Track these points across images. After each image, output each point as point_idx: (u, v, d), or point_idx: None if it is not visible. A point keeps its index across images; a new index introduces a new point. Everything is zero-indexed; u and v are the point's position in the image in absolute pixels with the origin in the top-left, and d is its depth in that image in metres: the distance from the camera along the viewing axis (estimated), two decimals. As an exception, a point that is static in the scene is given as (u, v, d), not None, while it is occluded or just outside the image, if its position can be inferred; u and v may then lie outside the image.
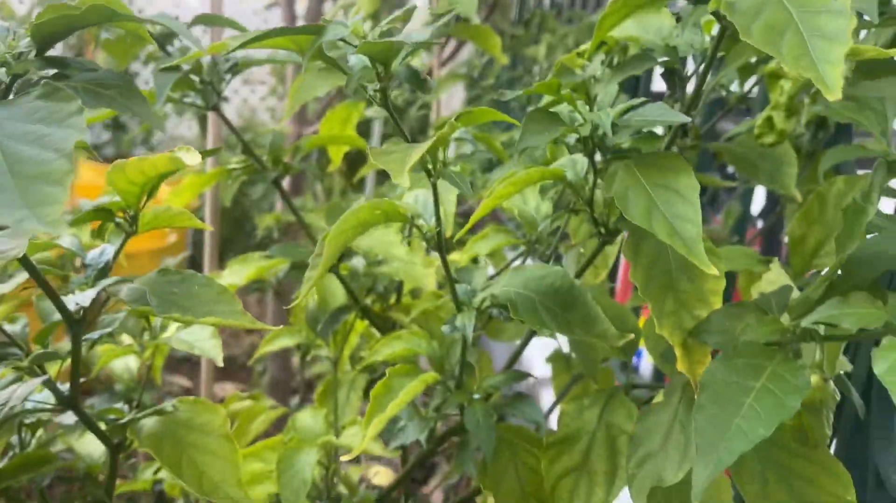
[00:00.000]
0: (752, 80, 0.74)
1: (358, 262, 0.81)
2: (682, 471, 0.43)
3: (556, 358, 0.86)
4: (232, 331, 2.71)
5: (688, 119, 0.43)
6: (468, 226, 0.51)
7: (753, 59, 0.73)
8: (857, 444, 0.73)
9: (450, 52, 1.71)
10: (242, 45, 0.42)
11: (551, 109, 0.49)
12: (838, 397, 0.43)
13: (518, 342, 0.71)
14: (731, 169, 1.16)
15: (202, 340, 0.58)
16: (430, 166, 0.47)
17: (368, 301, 0.79)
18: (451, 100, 2.19)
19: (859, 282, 0.39)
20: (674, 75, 0.52)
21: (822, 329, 0.42)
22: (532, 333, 0.65)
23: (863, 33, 0.72)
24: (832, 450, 0.78)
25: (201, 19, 0.69)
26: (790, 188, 0.68)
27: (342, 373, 0.86)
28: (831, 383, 0.42)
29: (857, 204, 0.38)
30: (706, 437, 0.36)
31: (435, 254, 0.66)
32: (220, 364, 0.54)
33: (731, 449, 0.35)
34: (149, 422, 0.60)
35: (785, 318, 0.43)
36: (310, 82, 0.77)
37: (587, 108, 0.48)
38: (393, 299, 0.80)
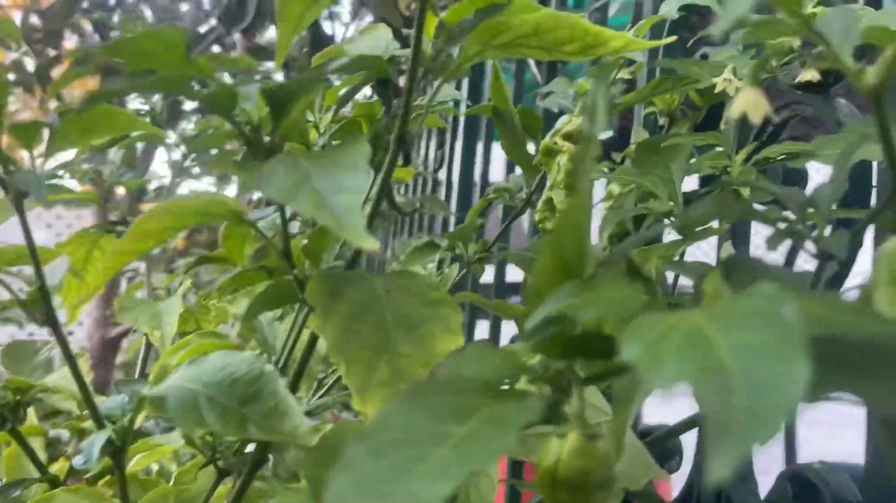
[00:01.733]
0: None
1: (59, 432, 0.61)
2: None
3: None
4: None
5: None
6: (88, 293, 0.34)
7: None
8: None
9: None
10: None
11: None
12: (614, 469, 0.27)
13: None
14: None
15: None
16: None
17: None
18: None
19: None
20: (387, 87, 0.40)
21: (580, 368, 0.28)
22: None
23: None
24: None
25: None
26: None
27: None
28: (602, 444, 0.26)
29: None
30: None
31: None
32: None
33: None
34: None
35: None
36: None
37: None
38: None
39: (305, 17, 0.39)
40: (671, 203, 0.52)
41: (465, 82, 1.41)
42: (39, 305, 0.34)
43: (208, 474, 0.60)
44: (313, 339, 0.44)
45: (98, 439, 0.36)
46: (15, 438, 0.57)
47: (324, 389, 0.68)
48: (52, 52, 1.70)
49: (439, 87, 0.41)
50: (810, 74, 0.47)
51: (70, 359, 0.36)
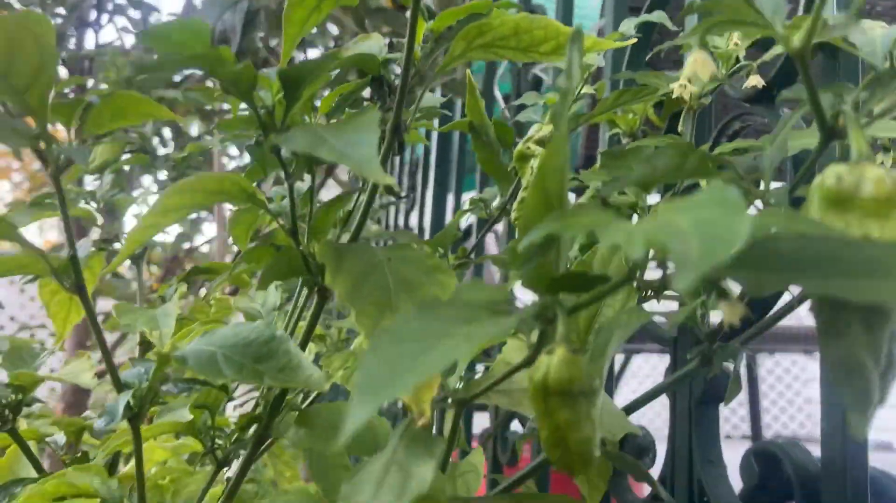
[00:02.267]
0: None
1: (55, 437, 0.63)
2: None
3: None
4: None
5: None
6: (116, 263, 0.38)
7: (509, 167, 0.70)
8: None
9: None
10: None
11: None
12: (599, 382, 0.31)
13: None
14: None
15: None
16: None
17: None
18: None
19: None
20: (382, 85, 0.45)
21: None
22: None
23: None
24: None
25: None
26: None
27: None
28: (584, 360, 0.30)
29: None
30: (375, 375, 0.22)
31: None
32: None
33: (411, 375, 0.22)
34: None
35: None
36: None
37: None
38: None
39: (309, 21, 0.43)
40: (635, 198, 0.57)
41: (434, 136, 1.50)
42: (69, 272, 0.37)
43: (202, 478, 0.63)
44: (309, 329, 0.48)
45: (122, 398, 0.39)
46: (14, 438, 0.59)
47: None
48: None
49: (427, 87, 0.46)
50: (755, 80, 0.53)
51: (95, 324, 0.39)
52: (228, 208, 2.51)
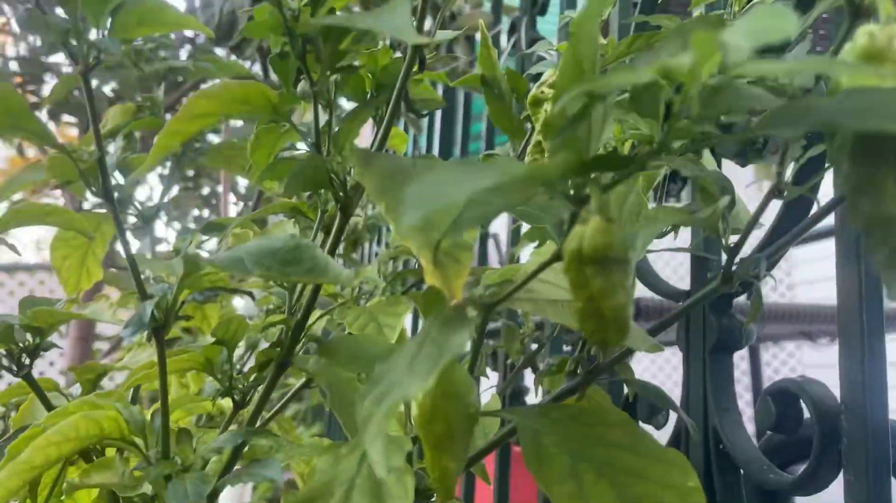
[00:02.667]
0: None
1: (72, 390, 0.62)
2: (432, 374, 0.28)
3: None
4: None
5: None
6: (145, 167, 0.38)
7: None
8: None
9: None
10: None
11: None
12: (631, 250, 0.31)
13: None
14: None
15: None
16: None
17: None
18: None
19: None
20: None
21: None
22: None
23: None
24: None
25: None
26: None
27: None
28: (618, 227, 0.30)
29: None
30: (421, 193, 0.23)
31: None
32: None
33: (456, 190, 0.22)
34: None
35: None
36: None
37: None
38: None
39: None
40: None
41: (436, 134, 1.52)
42: (96, 175, 0.37)
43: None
44: (333, 247, 0.48)
45: (147, 305, 0.38)
46: (30, 384, 0.59)
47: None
48: (32, 99, 1.74)
49: (445, 9, 0.46)
50: (768, 15, 0.54)
51: (121, 230, 0.39)
52: (232, 205, 2.50)
